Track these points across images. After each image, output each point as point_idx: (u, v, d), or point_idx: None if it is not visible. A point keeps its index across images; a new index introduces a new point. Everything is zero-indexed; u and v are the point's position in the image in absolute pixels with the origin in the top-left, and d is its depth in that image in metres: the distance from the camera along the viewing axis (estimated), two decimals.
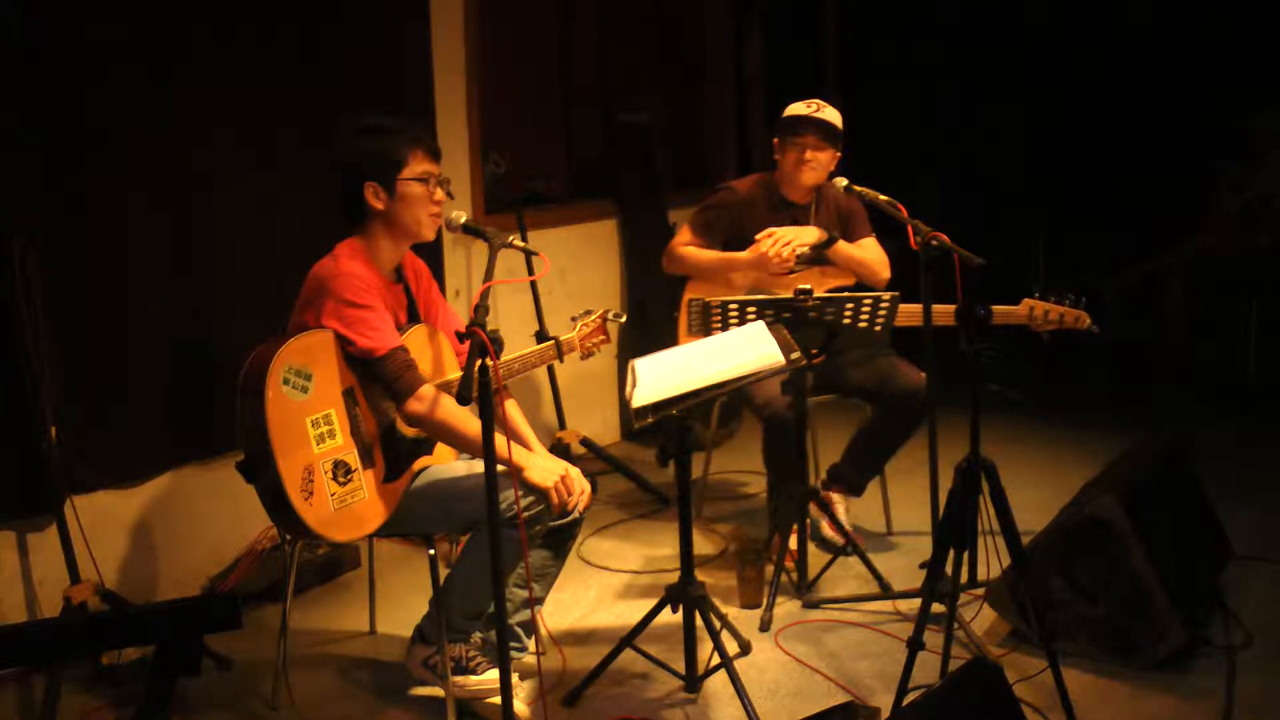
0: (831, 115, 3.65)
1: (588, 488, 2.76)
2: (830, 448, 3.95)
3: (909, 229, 2.91)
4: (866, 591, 3.45)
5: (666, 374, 2.60)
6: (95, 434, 3.15)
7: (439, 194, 2.76)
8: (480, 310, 2.25)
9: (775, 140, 3.72)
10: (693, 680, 2.88)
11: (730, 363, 2.54)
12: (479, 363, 2.19)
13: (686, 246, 3.80)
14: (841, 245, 3.63)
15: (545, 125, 5.26)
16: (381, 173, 2.69)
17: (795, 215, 3.75)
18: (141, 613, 2.27)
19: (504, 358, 2.87)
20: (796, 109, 3.68)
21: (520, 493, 2.59)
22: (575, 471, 2.73)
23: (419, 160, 2.71)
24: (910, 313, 3.29)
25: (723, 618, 3.01)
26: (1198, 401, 5.27)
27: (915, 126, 6.43)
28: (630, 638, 2.92)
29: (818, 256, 3.66)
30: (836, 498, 3.81)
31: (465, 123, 4.33)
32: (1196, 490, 3.45)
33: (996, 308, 3.24)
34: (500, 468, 2.42)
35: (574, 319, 3.13)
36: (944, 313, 3.03)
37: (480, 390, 2.20)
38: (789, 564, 3.45)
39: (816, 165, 3.64)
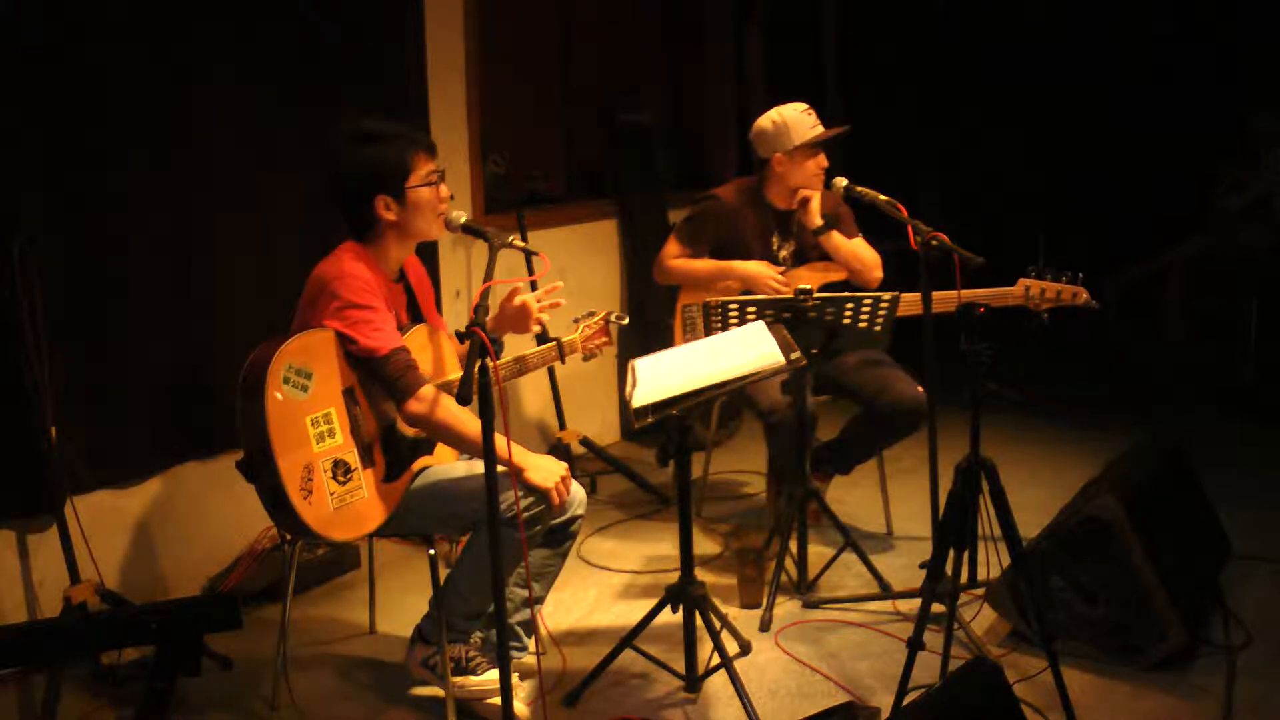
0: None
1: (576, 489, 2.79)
2: None
3: (909, 229, 2.91)
4: (866, 591, 3.45)
5: (666, 374, 2.60)
6: (95, 434, 3.15)
7: (444, 190, 2.76)
8: (480, 310, 2.25)
9: (779, 155, 3.66)
10: (693, 680, 2.89)
11: (730, 363, 2.54)
12: (479, 363, 2.19)
13: (676, 259, 3.83)
14: (836, 236, 3.65)
15: (545, 125, 5.26)
16: (390, 184, 2.67)
17: (781, 220, 3.77)
18: (141, 613, 2.27)
19: (505, 358, 2.87)
20: (800, 121, 3.64)
21: (520, 493, 2.59)
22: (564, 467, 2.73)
23: (422, 162, 2.70)
24: (909, 301, 3.30)
25: (723, 618, 3.01)
26: (1198, 401, 5.28)
27: (915, 126, 6.43)
28: (630, 638, 2.92)
29: (815, 246, 3.71)
30: (818, 482, 3.80)
31: (465, 123, 4.33)
32: (1196, 490, 3.45)
33: (993, 290, 3.26)
34: (501, 468, 2.42)
35: (576, 320, 3.13)
36: (942, 299, 3.04)
37: (480, 390, 2.20)
38: (789, 564, 3.45)
39: (822, 172, 3.68)
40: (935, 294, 2.99)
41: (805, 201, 3.65)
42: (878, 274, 3.68)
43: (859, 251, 3.68)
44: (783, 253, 3.80)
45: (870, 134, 6.38)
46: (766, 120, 3.69)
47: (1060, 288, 3.29)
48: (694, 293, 3.81)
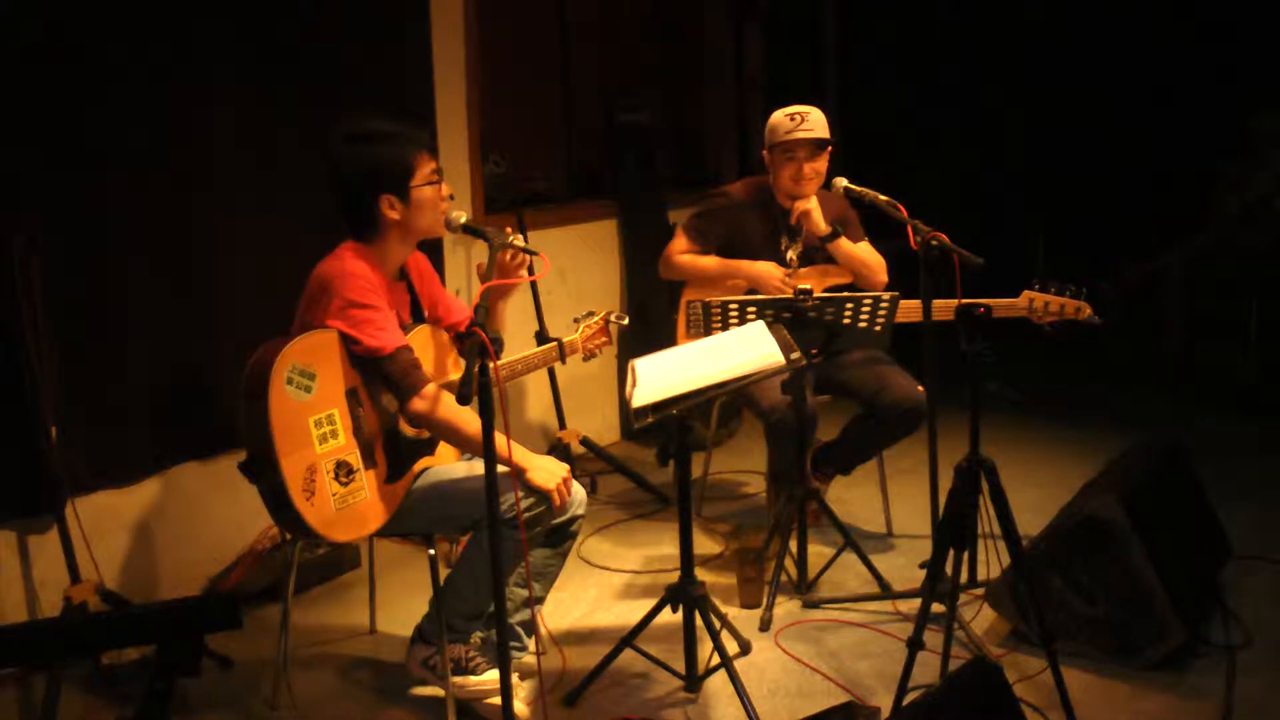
0: (816, 122, 3.61)
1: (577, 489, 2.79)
2: None
3: (909, 229, 2.91)
4: (866, 591, 3.45)
5: (667, 374, 2.60)
6: (95, 434, 3.15)
7: (445, 189, 2.76)
8: (480, 310, 2.25)
9: (766, 153, 3.68)
10: (693, 680, 2.89)
11: (730, 363, 2.54)
12: (479, 363, 2.19)
13: (683, 254, 3.82)
14: (844, 242, 3.65)
15: (545, 125, 5.26)
16: (395, 184, 2.66)
17: (789, 221, 3.77)
18: (141, 613, 2.27)
19: (506, 358, 2.87)
20: (780, 123, 3.63)
21: (521, 494, 2.59)
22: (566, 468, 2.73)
23: (425, 162, 2.70)
24: (909, 307, 3.30)
25: (723, 618, 3.01)
26: (1198, 401, 5.28)
27: (915, 126, 6.44)
28: (630, 638, 2.92)
29: (821, 248, 3.69)
30: (818, 483, 3.80)
31: (465, 123, 4.33)
32: (1196, 490, 3.45)
33: (997, 301, 3.27)
34: (502, 469, 2.41)
35: (576, 320, 3.13)
36: (943, 307, 3.04)
37: (480, 391, 2.20)
38: (789, 564, 3.45)
39: (813, 174, 3.63)
40: (937, 302, 2.99)
41: (806, 213, 3.62)
42: (883, 278, 3.68)
43: (865, 256, 3.68)
44: (790, 253, 3.80)
45: (870, 134, 6.42)
46: (770, 116, 3.70)
47: (1064, 302, 3.31)
48: (699, 289, 3.80)
